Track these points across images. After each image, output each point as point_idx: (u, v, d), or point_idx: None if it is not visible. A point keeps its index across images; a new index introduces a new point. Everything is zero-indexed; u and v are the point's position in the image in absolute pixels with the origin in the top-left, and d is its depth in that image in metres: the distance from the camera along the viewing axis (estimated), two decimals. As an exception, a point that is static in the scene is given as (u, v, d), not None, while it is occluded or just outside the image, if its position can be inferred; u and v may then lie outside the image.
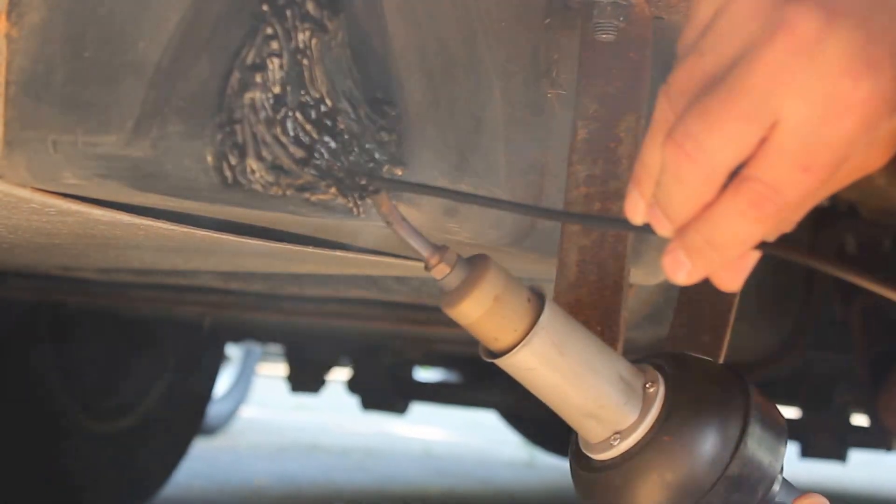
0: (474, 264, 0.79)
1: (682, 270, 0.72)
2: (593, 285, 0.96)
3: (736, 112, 0.68)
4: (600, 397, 0.80)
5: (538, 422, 4.34)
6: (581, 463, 0.83)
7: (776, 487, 0.82)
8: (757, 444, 0.81)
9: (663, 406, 0.81)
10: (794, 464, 3.11)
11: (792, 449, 2.92)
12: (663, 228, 0.73)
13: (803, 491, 0.85)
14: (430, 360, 3.85)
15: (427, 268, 0.79)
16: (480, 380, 3.81)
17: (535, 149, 1.04)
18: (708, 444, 0.80)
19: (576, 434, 0.84)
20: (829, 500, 0.84)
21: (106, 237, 1.07)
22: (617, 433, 0.81)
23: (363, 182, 0.84)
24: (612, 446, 0.81)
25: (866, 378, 2.54)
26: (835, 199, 2.02)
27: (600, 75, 0.99)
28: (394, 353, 3.40)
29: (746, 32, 0.69)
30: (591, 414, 0.81)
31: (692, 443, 0.80)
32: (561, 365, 0.79)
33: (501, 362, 0.79)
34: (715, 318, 1.05)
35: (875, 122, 0.68)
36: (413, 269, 1.30)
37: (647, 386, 0.82)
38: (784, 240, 0.75)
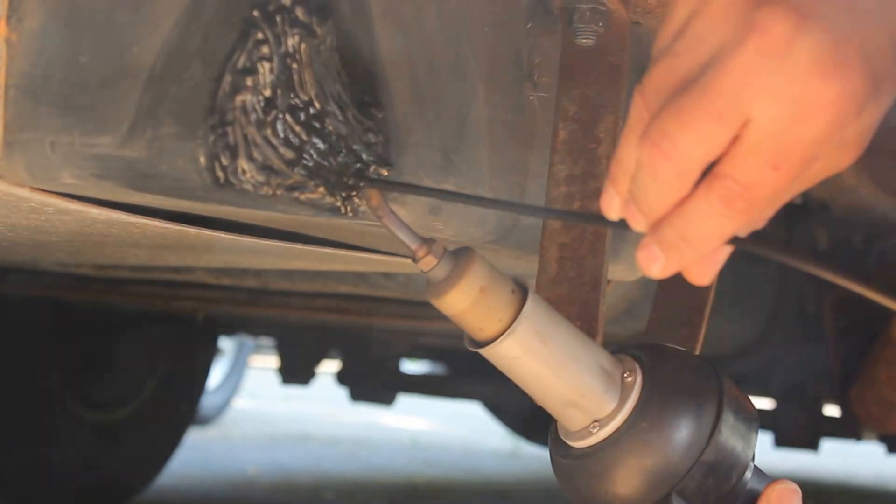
0: (460, 256, 0.79)
1: (656, 264, 0.73)
2: (573, 281, 0.96)
3: (709, 111, 0.69)
4: (581, 386, 0.81)
5: (521, 413, 4.34)
6: (561, 451, 0.84)
7: (748, 474, 0.83)
8: (730, 432, 0.82)
9: (641, 395, 0.81)
10: (768, 453, 3.12)
11: (766, 439, 2.93)
12: (638, 224, 0.73)
13: (775, 478, 0.87)
14: (416, 353, 3.85)
15: (415, 260, 0.80)
16: (465, 372, 3.81)
17: (517, 149, 1.04)
18: (684, 431, 0.80)
19: (555, 422, 0.85)
20: (801, 487, 0.86)
21: (103, 235, 1.07)
22: (596, 421, 0.81)
23: (350, 182, 0.84)
24: (591, 434, 0.82)
25: (838, 370, 2.56)
26: (807, 197, 2.03)
27: (580, 78, 0.99)
28: (381, 346, 3.41)
29: (719, 35, 0.69)
30: (572, 402, 0.81)
31: (669, 430, 0.80)
32: (543, 354, 0.80)
33: (486, 352, 0.80)
34: (691, 311, 1.06)
35: (844, 121, 0.69)
36: (400, 265, 1.30)
37: (626, 375, 0.82)
38: (758, 236, 0.76)
